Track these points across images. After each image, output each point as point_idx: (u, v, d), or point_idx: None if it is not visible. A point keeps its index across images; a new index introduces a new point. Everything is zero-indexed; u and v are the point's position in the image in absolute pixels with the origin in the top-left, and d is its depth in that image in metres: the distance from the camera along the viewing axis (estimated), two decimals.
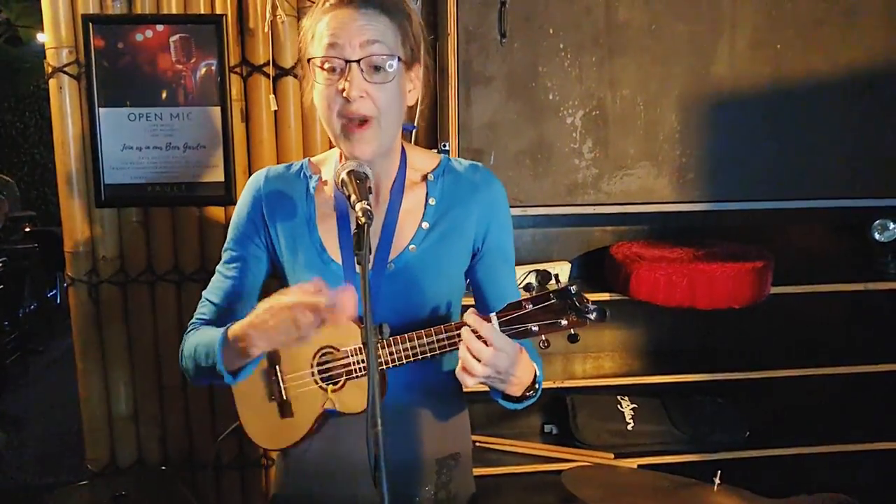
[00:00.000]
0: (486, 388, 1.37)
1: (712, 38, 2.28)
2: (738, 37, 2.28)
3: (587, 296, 1.24)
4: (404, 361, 1.31)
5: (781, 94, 2.31)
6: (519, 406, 1.38)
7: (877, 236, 2.55)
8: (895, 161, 2.37)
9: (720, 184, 2.35)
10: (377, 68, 1.28)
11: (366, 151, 1.30)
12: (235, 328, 1.28)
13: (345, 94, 1.26)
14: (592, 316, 1.21)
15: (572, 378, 2.47)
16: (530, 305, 1.23)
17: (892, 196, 2.40)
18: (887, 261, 2.57)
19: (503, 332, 1.23)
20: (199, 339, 1.38)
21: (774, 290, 2.36)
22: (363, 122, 1.29)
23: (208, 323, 1.43)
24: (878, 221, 2.54)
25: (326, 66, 1.28)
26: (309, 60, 1.31)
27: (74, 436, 2.71)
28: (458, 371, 1.24)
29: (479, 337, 1.21)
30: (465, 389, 1.36)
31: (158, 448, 2.57)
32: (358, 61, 1.26)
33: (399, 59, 1.30)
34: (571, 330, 1.23)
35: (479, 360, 1.20)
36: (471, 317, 1.23)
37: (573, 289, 1.22)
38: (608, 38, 2.24)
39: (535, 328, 1.23)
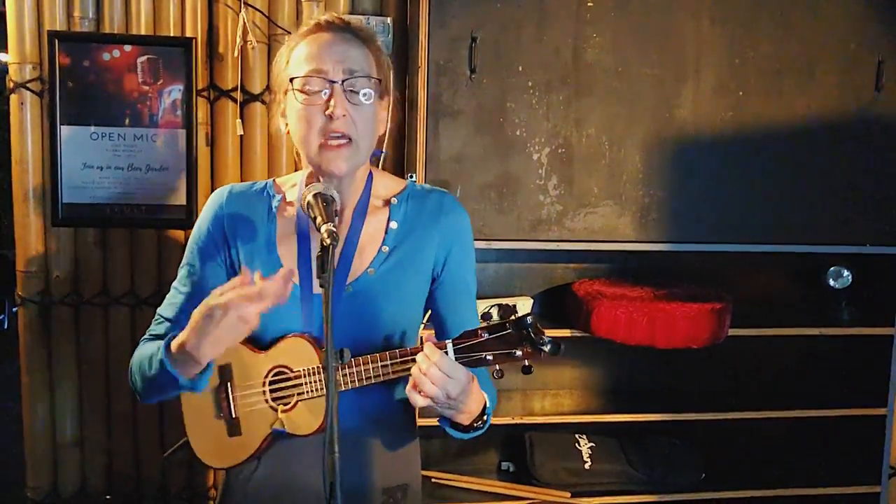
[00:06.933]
0: (438, 423, 1.37)
1: (677, 82, 2.32)
2: (702, 82, 2.33)
3: (547, 331, 1.23)
4: (358, 384, 1.30)
5: (742, 139, 2.36)
6: (466, 436, 1.37)
7: (831, 283, 2.59)
8: (850, 209, 2.42)
9: (681, 225, 2.37)
10: (357, 92, 1.31)
11: (342, 168, 1.32)
12: (180, 337, 1.23)
13: (328, 113, 1.28)
14: (547, 348, 1.20)
15: (531, 415, 2.45)
16: (486, 334, 1.22)
17: (847, 243, 2.45)
18: (841, 307, 2.62)
19: (457, 359, 1.22)
20: (146, 352, 1.34)
21: (732, 332, 2.38)
22: (341, 142, 1.31)
23: (159, 339, 1.40)
24: (832, 268, 2.59)
25: (307, 87, 1.30)
26: (292, 80, 1.32)
27: (17, 463, 2.63)
28: (408, 388, 1.23)
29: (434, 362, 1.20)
30: (416, 408, 1.35)
31: (103, 476, 2.49)
32: (342, 83, 1.29)
33: (379, 82, 1.35)
34: (525, 361, 1.22)
35: (430, 381, 1.19)
36: (427, 343, 1.22)
37: (529, 319, 1.21)
38: (575, 77, 2.28)
39: (490, 357, 1.22)
